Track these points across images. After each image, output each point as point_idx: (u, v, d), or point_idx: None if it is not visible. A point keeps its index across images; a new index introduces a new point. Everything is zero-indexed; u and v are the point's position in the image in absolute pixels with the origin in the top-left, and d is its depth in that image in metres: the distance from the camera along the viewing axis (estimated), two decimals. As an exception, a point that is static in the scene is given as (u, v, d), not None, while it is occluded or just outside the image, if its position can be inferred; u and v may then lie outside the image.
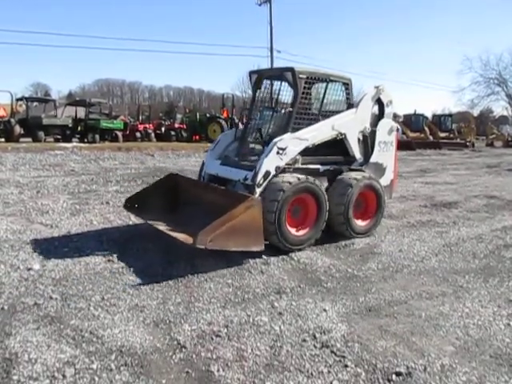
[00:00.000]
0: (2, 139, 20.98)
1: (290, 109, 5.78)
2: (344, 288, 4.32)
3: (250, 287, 4.25)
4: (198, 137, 26.65)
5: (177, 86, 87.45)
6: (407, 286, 4.40)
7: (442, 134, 32.89)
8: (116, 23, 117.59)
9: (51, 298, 3.86)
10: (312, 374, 2.87)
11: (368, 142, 6.28)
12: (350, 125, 6.01)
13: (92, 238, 5.67)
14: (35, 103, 25.27)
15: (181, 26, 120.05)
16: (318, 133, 5.70)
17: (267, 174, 5.21)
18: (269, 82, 6.43)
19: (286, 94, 6.34)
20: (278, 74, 6.15)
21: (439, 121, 35.50)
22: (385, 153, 6.44)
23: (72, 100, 33.75)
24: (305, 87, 5.74)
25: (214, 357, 3.03)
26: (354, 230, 5.93)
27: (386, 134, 6.42)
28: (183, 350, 3.11)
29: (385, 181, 6.46)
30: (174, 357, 3.02)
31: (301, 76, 5.61)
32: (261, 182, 5.16)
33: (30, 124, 21.84)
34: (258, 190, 5.14)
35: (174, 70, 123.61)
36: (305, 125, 5.67)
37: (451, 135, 33.84)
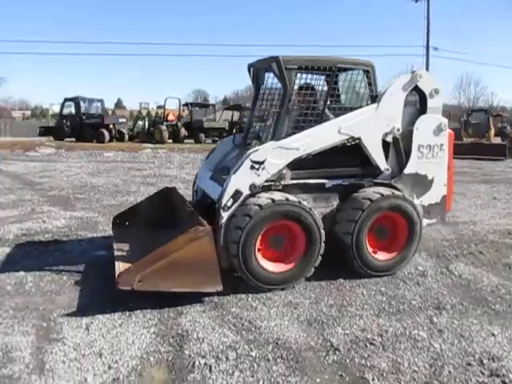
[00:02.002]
0: (170, 140, 23.92)
1: (277, 109, 4.52)
2: (516, 313, 3.82)
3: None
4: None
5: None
6: None
7: None
8: (261, 29, 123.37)
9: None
10: (480, 402, 2.61)
11: (400, 146, 4.65)
12: (366, 125, 4.47)
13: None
14: (197, 108, 28.06)
15: (329, 28, 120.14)
16: (316, 139, 4.30)
17: (237, 194, 4.06)
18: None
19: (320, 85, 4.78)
20: (265, 65, 4.73)
21: None
22: (429, 160, 4.71)
23: (227, 105, 36.61)
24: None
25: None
26: (369, 267, 4.46)
27: (431, 134, 4.70)
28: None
29: (432, 198, 4.79)
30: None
31: (289, 66, 4.30)
32: (228, 204, 4.05)
33: (193, 127, 24.49)
34: (225, 214, 4.05)
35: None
36: (305, 128, 4.38)
37: None
